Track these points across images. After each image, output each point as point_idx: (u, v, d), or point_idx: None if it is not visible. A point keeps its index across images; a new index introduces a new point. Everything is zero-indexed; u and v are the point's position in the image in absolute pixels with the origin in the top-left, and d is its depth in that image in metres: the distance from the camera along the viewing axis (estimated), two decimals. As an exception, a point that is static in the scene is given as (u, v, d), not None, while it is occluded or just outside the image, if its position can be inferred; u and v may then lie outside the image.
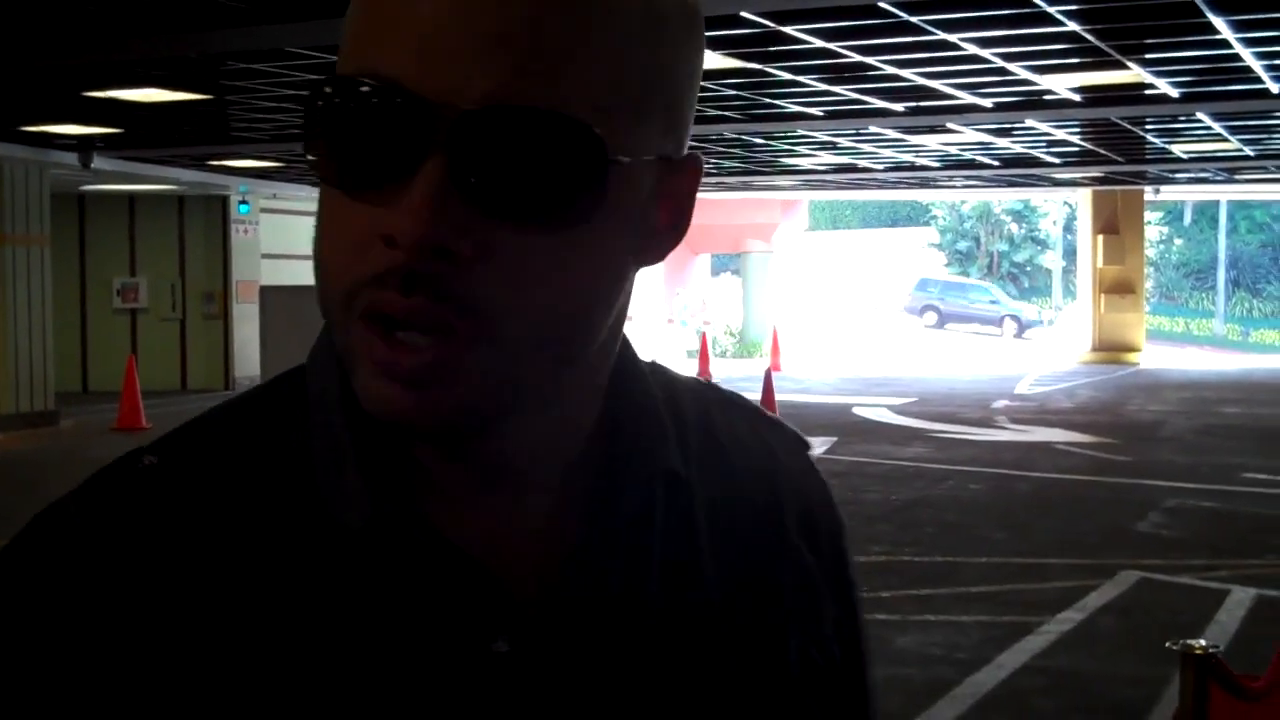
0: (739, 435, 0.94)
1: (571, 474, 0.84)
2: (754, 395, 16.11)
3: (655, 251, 0.82)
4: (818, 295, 60.17)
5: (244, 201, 22.86)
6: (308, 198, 23.82)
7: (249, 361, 20.48)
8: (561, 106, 0.72)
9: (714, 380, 0.81)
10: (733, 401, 0.98)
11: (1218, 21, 9.54)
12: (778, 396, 14.93)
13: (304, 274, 22.26)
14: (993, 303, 44.69)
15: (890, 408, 18.80)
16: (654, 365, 0.93)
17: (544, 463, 0.83)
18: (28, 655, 0.74)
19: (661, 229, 0.82)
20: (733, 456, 0.92)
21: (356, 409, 0.78)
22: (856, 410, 18.55)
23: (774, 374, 18.67)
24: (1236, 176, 24.91)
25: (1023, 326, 42.94)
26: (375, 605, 0.77)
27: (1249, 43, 10.52)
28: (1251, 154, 19.78)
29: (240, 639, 0.75)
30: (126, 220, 23.20)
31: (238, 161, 19.72)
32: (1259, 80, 12.36)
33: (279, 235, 23.86)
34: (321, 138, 0.75)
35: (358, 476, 0.78)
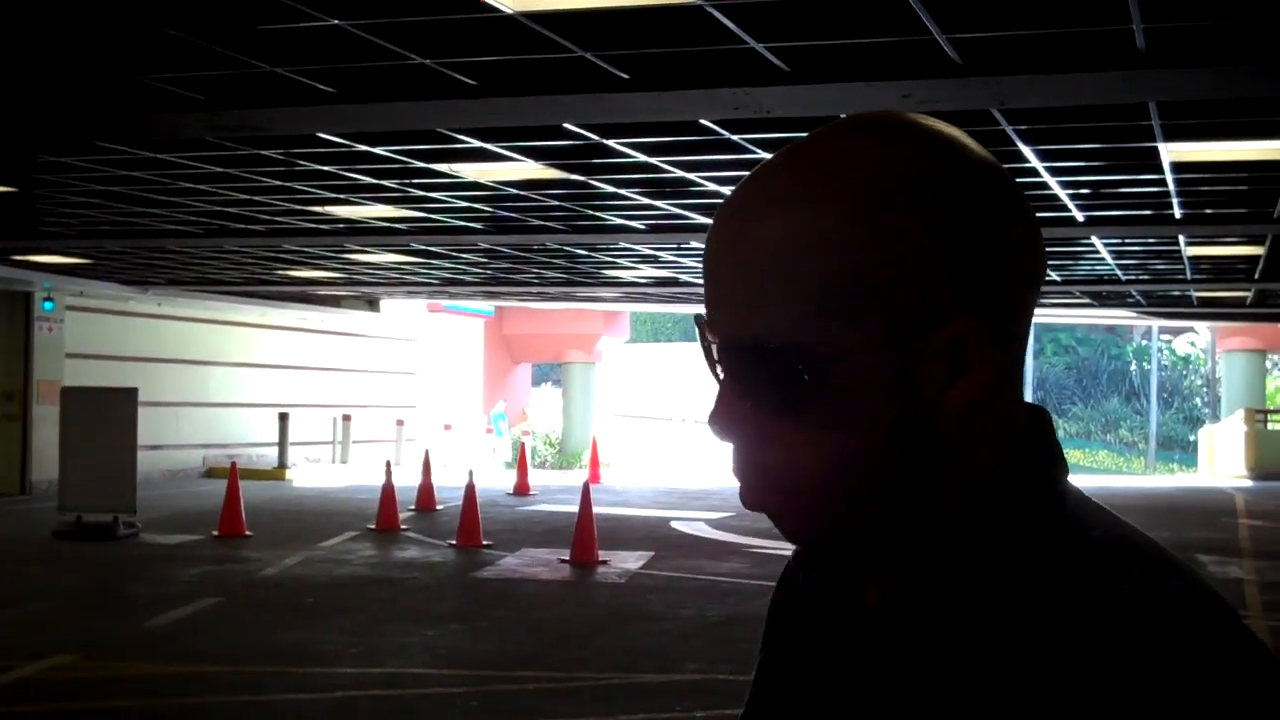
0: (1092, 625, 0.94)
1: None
2: (572, 508, 16.00)
3: (947, 405, 1.00)
4: (639, 407, 60.43)
5: (49, 298, 22.12)
6: (116, 296, 23.20)
7: (48, 465, 19.66)
8: (766, 334, 0.98)
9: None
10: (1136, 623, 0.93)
11: (1026, 151, 9.83)
12: (596, 509, 14.78)
13: (111, 376, 21.64)
14: None
15: (708, 521, 18.78)
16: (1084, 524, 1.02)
17: (881, 565, 1.06)
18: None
19: (940, 384, 1.00)
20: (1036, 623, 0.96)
21: None
22: (674, 524, 18.50)
23: (592, 486, 18.56)
24: (1044, 300, 25.72)
25: None
26: (798, 623, 1.16)
27: (1055, 172, 10.87)
28: (1058, 279, 20.43)
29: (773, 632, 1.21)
30: (-77, 315, 22.29)
31: (43, 257, 19.10)
32: (1065, 208, 12.77)
33: (85, 334, 23.15)
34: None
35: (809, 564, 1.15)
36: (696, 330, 1.08)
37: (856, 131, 1.03)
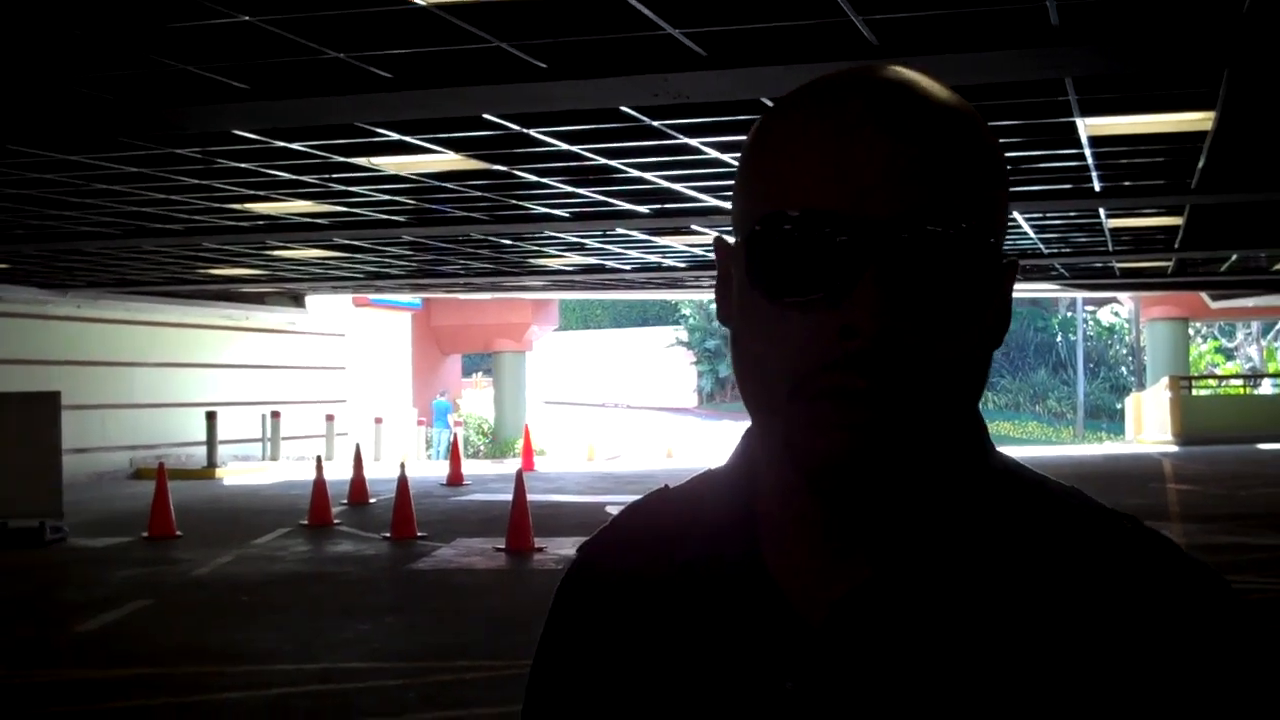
0: (1083, 542, 1.01)
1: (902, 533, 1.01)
2: (506, 497, 15.99)
3: (996, 340, 1.02)
4: (570, 394, 60.43)
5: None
6: (34, 300, 22.88)
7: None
8: (957, 222, 0.94)
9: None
10: (1102, 518, 1.03)
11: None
12: (530, 497, 14.74)
13: (33, 380, 21.29)
14: None
15: (642, 506, 18.79)
16: (1016, 464, 1.07)
17: (891, 523, 1.00)
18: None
19: (992, 324, 1.00)
20: (1056, 550, 1.00)
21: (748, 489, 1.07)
22: (610, 509, 18.49)
23: (526, 474, 18.55)
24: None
25: None
26: (711, 631, 1.03)
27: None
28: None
29: (627, 638, 1.09)
30: None
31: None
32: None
33: (4, 339, 22.79)
34: (769, 264, 0.96)
35: (739, 536, 1.05)
36: (736, 247, 1.01)
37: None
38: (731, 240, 1.04)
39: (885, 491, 0.98)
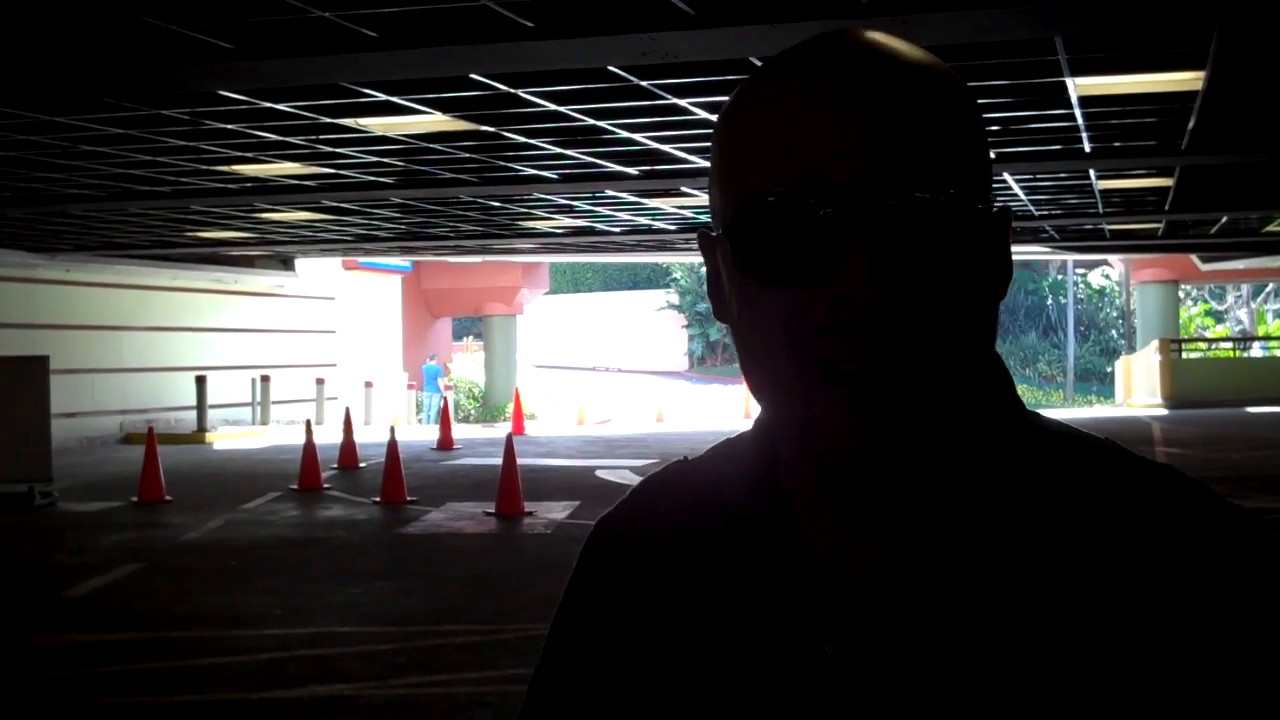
0: (1112, 494, 0.99)
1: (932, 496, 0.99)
2: (496, 461, 15.96)
3: (999, 293, 1.01)
4: (561, 357, 60.42)
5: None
6: (21, 264, 22.81)
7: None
8: (940, 184, 0.92)
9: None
10: (1135, 468, 1.01)
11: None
12: (520, 461, 14.73)
13: (22, 344, 21.23)
14: None
15: (633, 469, 18.79)
16: (1043, 418, 1.06)
17: (916, 497, 0.99)
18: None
19: (992, 278, 0.99)
20: (1086, 506, 0.98)
21: (772, 453, 1.05)
22: (600, 473, 18.51)
23: (516, 437, 18.52)
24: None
25: None
26: (745, 596, 1.02)
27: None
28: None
29: (655, 607, 1.07)
30: None
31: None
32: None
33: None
34: (755, 248, 0.94)
35: (770, 501, 1.03)
36: (720, 240, 0.99)
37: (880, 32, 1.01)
38: (713, 234, 1.03)
39: (897, 478, 0.98)
